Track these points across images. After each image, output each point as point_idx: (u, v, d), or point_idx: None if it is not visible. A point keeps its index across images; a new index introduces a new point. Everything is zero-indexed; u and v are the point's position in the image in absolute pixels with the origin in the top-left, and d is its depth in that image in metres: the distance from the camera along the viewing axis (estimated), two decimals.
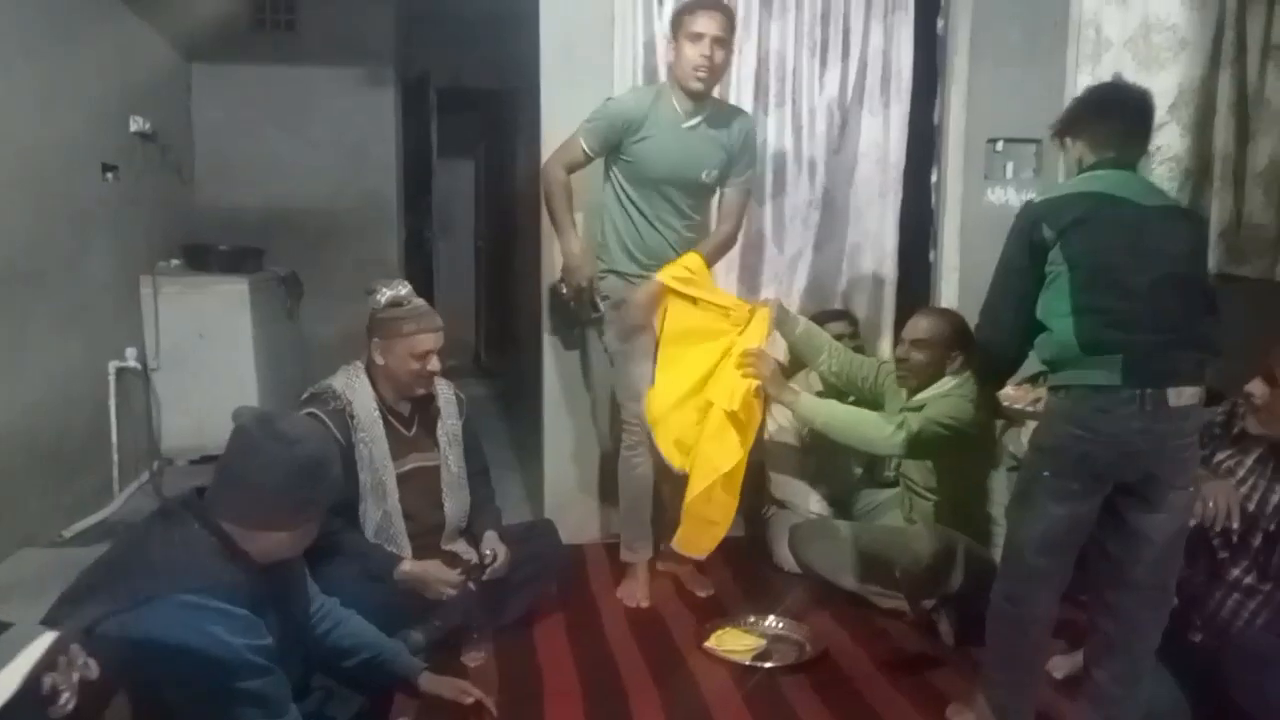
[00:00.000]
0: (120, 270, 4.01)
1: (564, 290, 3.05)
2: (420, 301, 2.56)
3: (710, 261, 3.03)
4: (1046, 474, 2.04)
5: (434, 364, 2.54)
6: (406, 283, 2.56)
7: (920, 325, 2.89)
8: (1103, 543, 2.07)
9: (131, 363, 3.91)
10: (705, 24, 2.80)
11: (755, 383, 2.73)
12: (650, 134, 2.86)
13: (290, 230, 5.01)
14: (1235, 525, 2.17)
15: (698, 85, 2.84)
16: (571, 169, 2.95)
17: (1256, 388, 2.23)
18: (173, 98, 4.79)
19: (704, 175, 2.94)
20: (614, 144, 2.89)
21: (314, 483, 1.67)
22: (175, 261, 4.39)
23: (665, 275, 2.86)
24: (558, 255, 3.33)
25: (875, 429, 2.71)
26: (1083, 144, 2.16)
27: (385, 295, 2.50)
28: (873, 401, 3.04)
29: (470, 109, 6.48)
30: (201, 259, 4.37)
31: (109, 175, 3.92)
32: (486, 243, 6.95)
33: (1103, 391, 1.95)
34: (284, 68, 5.10)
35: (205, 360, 4.16)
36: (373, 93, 5.32)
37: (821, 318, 3.39)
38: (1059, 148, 2.30)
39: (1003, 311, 2.16)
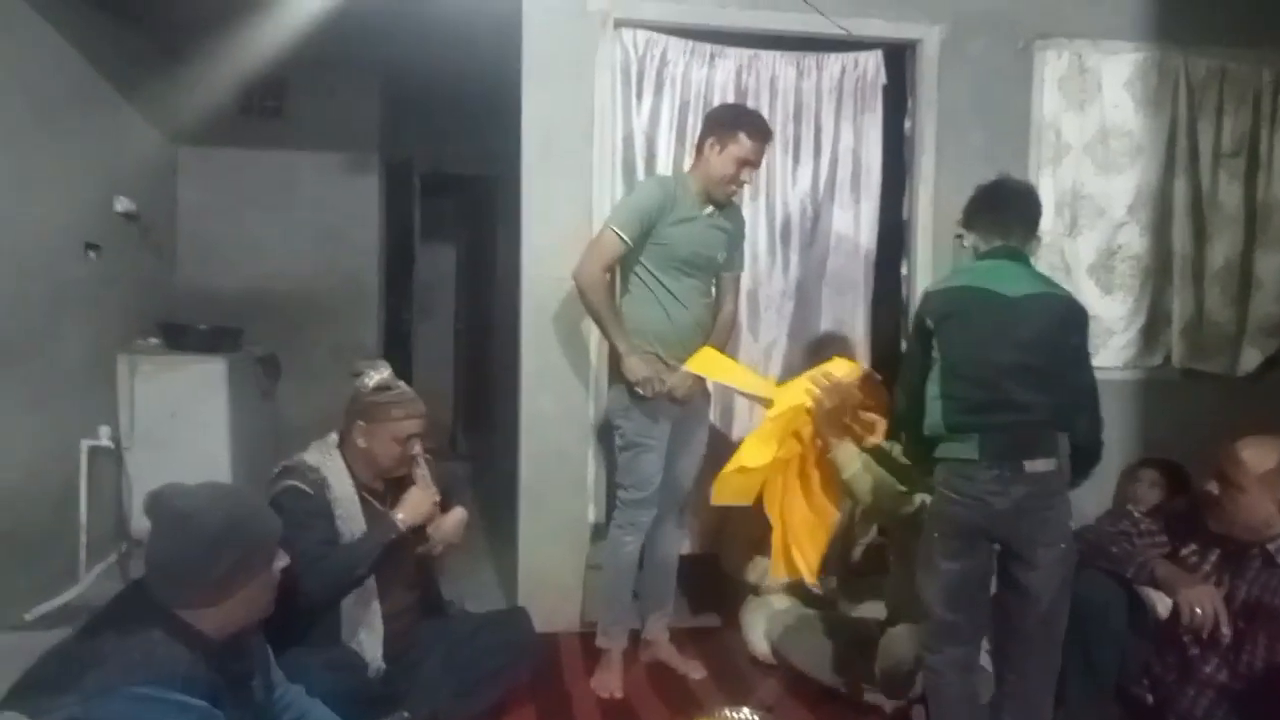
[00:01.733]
0: (97, 348, 4.01)
1: (645, 395, 2.98)
2: (405, 386, 2.58)
3: (721, 343, 3.16)
4: (936, 535, 2.30)
5: (416, 447, 2.55)
6: (387, 365, 2.58)
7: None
8: (999, 600, 2.31)
9: (105, 441, 3.87)
10: (757, 153, 2.99)
11: (809, 402, 2.83)
12: (679, 217, 2.97)
13: (270, 311, 5.03)
14: (1225, 631, 2.21)
15: (723, 198, 3.03)
16: (610, 267, 3.00)
17: (1212, 487, 2.29)
18: (158, 179, 4.85)
19: (719, 257, 3.10)
20: (648, 230, 2.96)
21: (227, 547, 1.64)
22: (153, 340, 4.39)
23: (694, 366, 2.99)
24: (543, 339, 3.40)
25: (892, 500, 2.73)
26: (975, 235, 2.44)
27: (373, 378, 2.52)
28: None
29: (453, 194, 6.60)
30: (179, 338, 4.37)
31: (91, 254, 3.95)
32: (465, 326, 7.01)
33: (967, 464, 2.22)
34: (269, 152, 5.20)
35: (179, 439, 4.12)
36: (356, 177, 5.43)
37: None
38: (959, 241, 2.59)
39: (906, 385, 2.43)
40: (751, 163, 2.99)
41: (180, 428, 4.14)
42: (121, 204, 4.22)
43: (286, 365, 4.98)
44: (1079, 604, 2.30)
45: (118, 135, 4.29)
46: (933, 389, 2.28)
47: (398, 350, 5.82)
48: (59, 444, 3.70)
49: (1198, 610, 2.21)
